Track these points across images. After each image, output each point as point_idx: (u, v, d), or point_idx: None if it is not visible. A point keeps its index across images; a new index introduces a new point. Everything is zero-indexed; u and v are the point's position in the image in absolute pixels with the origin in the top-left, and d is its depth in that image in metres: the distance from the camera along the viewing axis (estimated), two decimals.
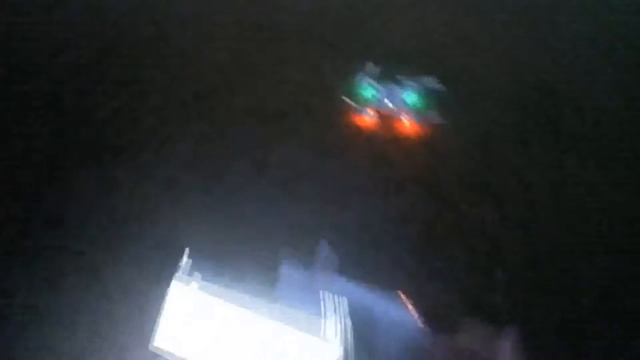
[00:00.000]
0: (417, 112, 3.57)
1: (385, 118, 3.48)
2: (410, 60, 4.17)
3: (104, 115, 3.24)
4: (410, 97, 3.74)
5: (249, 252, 2.26)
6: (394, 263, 2.47)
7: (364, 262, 2.31)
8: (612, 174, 3.22)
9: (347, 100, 3.52)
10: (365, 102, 3.61)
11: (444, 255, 2.58)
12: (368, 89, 3.74)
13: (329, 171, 3.01)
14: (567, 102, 3.86)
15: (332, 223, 2.65)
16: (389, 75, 3.78)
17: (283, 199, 2.77)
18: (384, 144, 3.28)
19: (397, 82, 3.72)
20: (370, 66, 3.81)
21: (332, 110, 3.50)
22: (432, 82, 3.77)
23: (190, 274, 0.34)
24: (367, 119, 3.45)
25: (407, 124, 3.46)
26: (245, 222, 2.56)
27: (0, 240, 2.43)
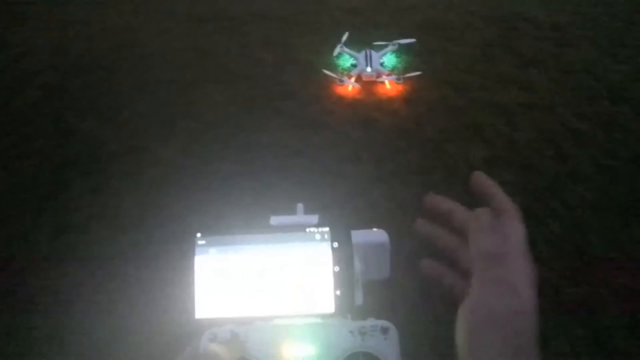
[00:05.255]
0: (396, 72, 3.61)
1: (367, 84, 3.52)
2: (383, 24, 4.23)
3: (90, 124, 3.28)
4: (389, 59, 3.79)
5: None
6: (394, 220, 2.55)
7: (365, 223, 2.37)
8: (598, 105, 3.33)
9: (328, 73, 3.55)
10: (345, 72, 3.66)
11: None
12: (346, 59, 3.79)
13: (319, 144, 3.05)
14: (545, 39, 3.96)
15: (329, 193, 2.69)
16: (365, 42, 3.84)
17: (279, 177, 2.80)
18: (368, 110, 3.33)
19: (374, 48, 3.75)
20: (345, 37, 3.84)
21: (314, 86, 3.53)
22: (406, 40, 3.81)
23: (205, 251, 0.35)
24: (350, 88, 3.48)
25: (389, 86, 3.49)
26: (244, 206, 2.58)
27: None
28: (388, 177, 2.81)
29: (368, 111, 3.32)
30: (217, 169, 2.89)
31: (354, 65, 3.69)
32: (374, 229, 0.53)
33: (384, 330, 0.43)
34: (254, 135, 3.12)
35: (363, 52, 3.66)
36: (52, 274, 2.37)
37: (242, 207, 2.55)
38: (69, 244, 2.52)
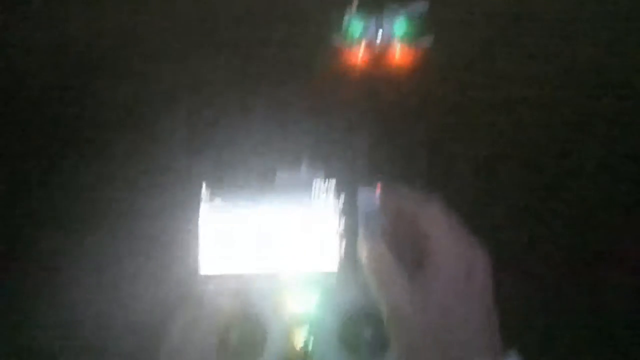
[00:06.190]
0: (407, 41, 3.49)
1: (376, 52, 3.44)
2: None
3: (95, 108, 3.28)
4: (401, 26, 3.59)
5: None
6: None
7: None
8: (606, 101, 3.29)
9: (337, 41, 3.45)
10: (355, 40, 3.50)
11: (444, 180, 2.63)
12: (357, 26, 3.58)
13: (326, 112, 3.01)
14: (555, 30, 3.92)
15: (334, 157, 2.61)
16: (377, 8, 3.64)
17: (285, 139, 2.75)
18: (375, 79, 3.29)
19: (386, 14, 3.56)
20: (356, 2, 3.59)
21: (323, 55, 3.45)
22: (420, 7, 3.61)
23: (211, 204, 0.35)
24: (358, 56, 3.40)
25: (398, 55, 3.41)
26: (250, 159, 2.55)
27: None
28: (387, 146, 2.80)
29: (374, 80, 3.28)
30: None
31: (364, 33, 3.52)
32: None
33: None
34: (262, 103, 3.08)
35: (373, 18, 3.51)
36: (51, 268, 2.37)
37: (247, 160, 2.50)
38: (68, 240, 2.51)
